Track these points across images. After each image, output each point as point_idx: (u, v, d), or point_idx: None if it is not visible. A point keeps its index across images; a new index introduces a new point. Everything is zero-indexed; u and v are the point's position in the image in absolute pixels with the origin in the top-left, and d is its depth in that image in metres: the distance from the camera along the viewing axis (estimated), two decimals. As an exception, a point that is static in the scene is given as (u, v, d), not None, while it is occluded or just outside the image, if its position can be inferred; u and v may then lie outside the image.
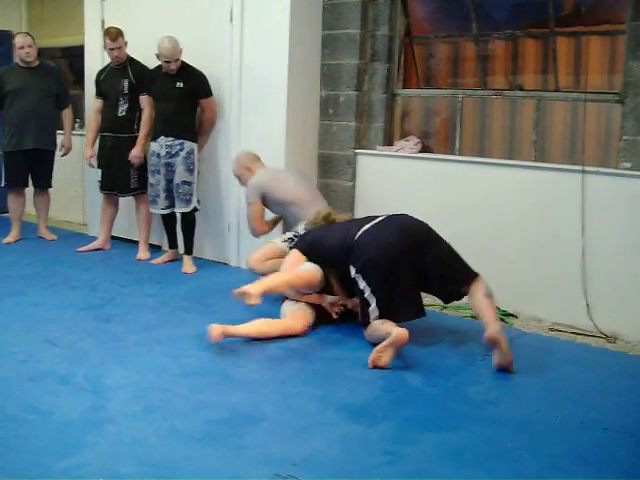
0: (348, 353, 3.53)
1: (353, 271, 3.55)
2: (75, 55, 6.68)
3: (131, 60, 5.37)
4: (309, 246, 3.91)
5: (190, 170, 5.04)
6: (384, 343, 3.24)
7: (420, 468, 2.41)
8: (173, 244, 5.35)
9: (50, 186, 6.08)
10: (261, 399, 2.94)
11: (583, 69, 4.73)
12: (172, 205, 5.14)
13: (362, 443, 2.58)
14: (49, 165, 6.00)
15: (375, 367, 3.25)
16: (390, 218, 3.71)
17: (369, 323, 3.52)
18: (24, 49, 5.72)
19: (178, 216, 5.20)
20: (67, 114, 6.01)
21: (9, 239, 5.91)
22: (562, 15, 4.62)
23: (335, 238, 3.77)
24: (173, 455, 2.44)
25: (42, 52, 7.40)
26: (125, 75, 5.33)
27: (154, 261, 5.30)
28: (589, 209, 3.91)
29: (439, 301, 3.91)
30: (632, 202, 3.80)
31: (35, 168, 5.94)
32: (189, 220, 5.14)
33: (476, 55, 4.74)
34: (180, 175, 5.00)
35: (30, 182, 6.02)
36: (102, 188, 5.60)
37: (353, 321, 3.83)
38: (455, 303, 3.93)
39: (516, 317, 4.21)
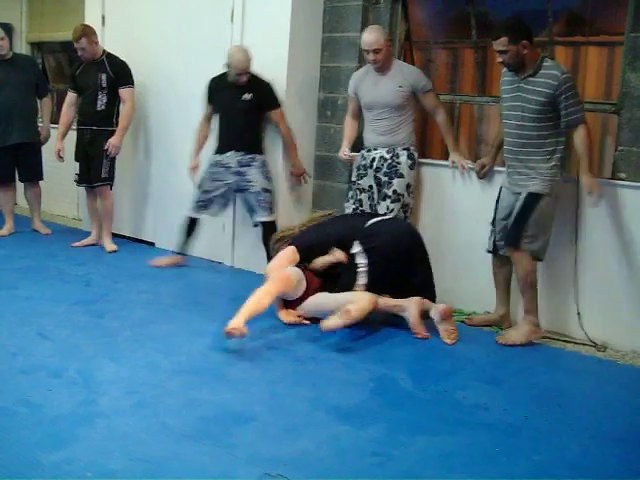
0: (340, 355, 3.53)
1: (359, 248, 3.87)
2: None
3: (108, 55, 5.35)
4: (315, 234, 4.16)
5: (269, 178, 4.84)
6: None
7: (409, 471, 2.42)
8: (186, 250, 5.11)
9: (41, 178, 6.04)
10: (252, 398, 2.94)
11: (581, 79, 4.77)
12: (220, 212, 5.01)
13: (352, 444, 2.59)
14: (37, 157, 5.96)
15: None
16: (396, 220, 4.17)
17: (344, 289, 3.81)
18: None
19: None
20: (46, 103, 5.97)
21: (3, 232, 5.90)
22: (561, 25, 4.66)
23: (339, 225, 4.19)
24: (163, 451, 2.44)
25: (42, 46, 7.43)
26: (102, 69, 5.30)
27: (155, 262, 5.10)
28: (583, 218, 3.93)
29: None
30: (626, 212, 3.82)
31: (22, 161, 5.90)
32: (271, 230, 4.69)
33: (475, 62, 4.77)
34: (260, 183, 4.78)
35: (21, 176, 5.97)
36: (79, 182, 5.57)
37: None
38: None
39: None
